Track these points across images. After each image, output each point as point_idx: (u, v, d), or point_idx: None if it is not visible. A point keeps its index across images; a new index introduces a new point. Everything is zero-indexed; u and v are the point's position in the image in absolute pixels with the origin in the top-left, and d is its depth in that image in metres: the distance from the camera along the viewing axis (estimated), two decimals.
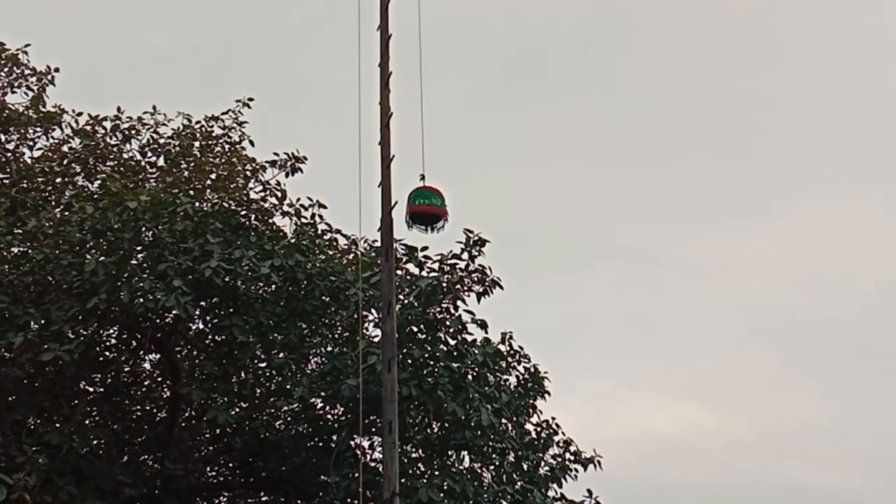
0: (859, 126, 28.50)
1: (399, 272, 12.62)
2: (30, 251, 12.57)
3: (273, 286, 13.17)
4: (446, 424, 12.36)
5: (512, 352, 13.58)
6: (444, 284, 12.60)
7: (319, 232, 14.09)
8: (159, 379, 14.80)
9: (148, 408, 14.72)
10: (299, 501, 13.95)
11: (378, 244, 11.62)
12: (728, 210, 28.08)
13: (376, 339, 12.43)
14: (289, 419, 14.21)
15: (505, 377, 13.31)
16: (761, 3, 27.56)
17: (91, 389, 13.92)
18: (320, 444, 13.49)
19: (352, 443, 12.45)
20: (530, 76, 27.41)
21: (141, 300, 11.93)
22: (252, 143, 15.24)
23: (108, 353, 13.81)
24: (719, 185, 28.28)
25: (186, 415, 14.48)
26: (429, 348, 12.41)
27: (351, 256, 14.44)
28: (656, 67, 27.98)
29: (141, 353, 14.02)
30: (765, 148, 28.28)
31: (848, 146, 28.05)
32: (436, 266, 12.84)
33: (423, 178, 10.06)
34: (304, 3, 25.72)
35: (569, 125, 27.65)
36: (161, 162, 14.85)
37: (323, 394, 12.91)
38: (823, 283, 27.75)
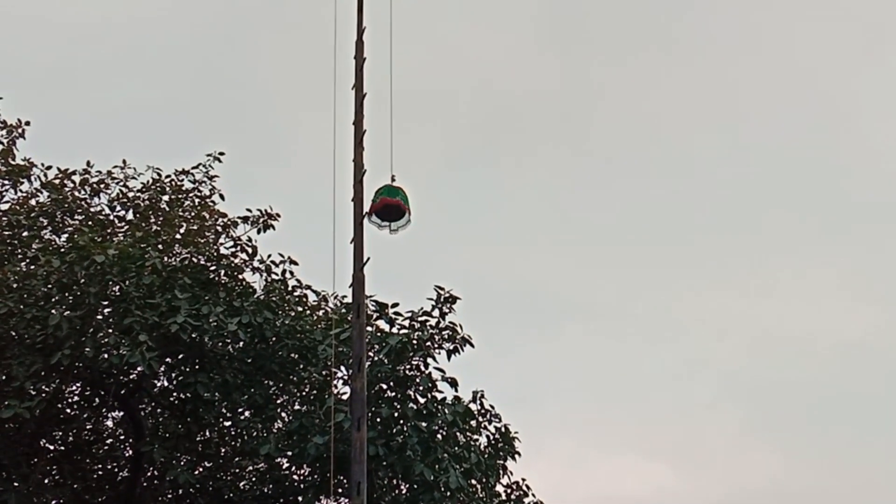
0: (826, 189, 29.11)
1: (369, 328, 12.60)
2: None
3: (240, 343, 13.08)
4: (415, 486, 12.23)
5: (483, 411, 13.52)
6: (415, 341, 12.57)
7: (290, 288, 14.05)
8: (122, 437, 14.55)
9: (110, 467, 14.45)
10: None
11: (348, 300, 11.70)
12: (695, 271, 28.46)
13: (345, 397, 12.30)
14: (254, 479, 14.00)
15: (475, 437, 13.24)
16: (733, 65, 28.26)
17: (52, 447, 13.66)
18: None
19: None
20: (502, 135, 27.82)
21: (105, 355, 11.80)
22: (223, 198, 15.23)
23: (69, 410, 13.59)
24: (686, 246, 28.65)
25: (149, 474, 14.21)
26: (398, 407, 12.33)
27: (321, 313, 14.39)
28: (627, 129, 28.52)
29: (104, 410, 13.83)
30: (731, 210, 28.77)
31: (814, 209, 28.60)
32: (406, 323, 12.83)
33: (393, 178, 10.20)
34: (278, 60, 25.98)
35: (539, 184, 28.02)
36: (130, 216, 14.80)
37: (289, 453, 12.74)
38: (787, 344, 28.09)
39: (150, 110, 25.86)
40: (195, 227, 14.58)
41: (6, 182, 14.84)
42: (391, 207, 10.21)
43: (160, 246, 13.64)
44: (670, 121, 28.49)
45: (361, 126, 10.62)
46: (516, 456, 13.78)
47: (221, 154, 15.31)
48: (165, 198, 14.98)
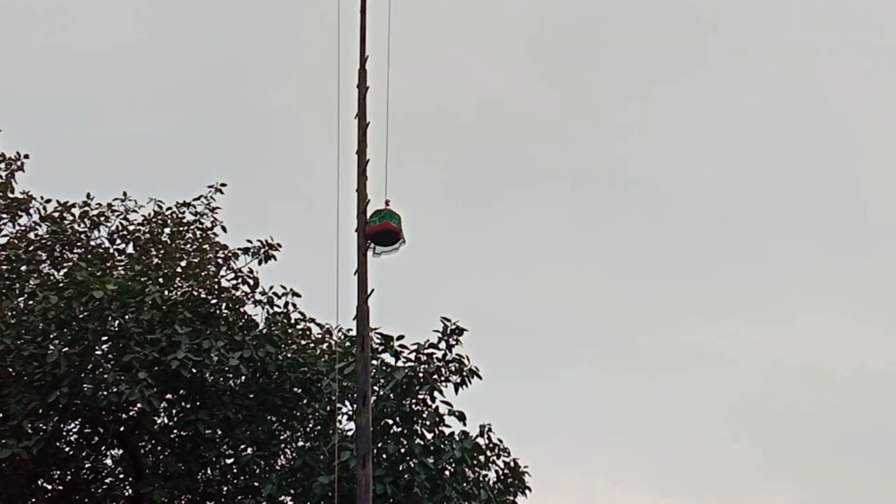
0: (842, 214, 28.78)
1: (374, 362, 12.40)
2: None
3: (242, 378, 12.92)
4: None
5: (491, 445, 13.25)
6: (421, 375, 12.38)
7: (292, 321, 13.89)
8: (121, 476, 14.27)
9: None
10: None
11: (353, 333, 11.42)
12: (709, 299, 28.07)
13: (350, 433, 12.09)
14: None
15: (484, 472, 12.97)
16: (744, 89, 28.08)
17: (49, 487, 13.39)
18: None
19: None
20: (508, 162, 27.66)
21: (104, 393, 11.64)
22: (224, 230, 15.14)
23: (68, 449, 13.34)
24: (700, 273, 28.31)
25: None
26: (405, 442, 12.12)
27: (324, 346, 14.20)
28: (635, 158, 28.31)
29: (103, 448, 13.60)
30: (747, 236, 28.44)
31: (831, 234, 28.28)
32: (412, 355, 12.63)
33: (388, 202, 10.08)
34: (280, 91, 25.95)
35: (546, 213, 27.79)
36: (130, 249, 14.70)
37: (293, 491, 12.49)
38: (804, 373, 27.61)
39: (151, 142, 25.83)
40: (196, 260, 14.46)
41: (4, 216, 14.68)
42: (385, 233, 10.08)
43: (160, 280, 13.51)
44: (679, 148, 28.34)
45: (365, 155, 10.47)
46: (527, 491, 13.51)
47: (223, 185, 15.26)
48: (166, 230, 14.88)
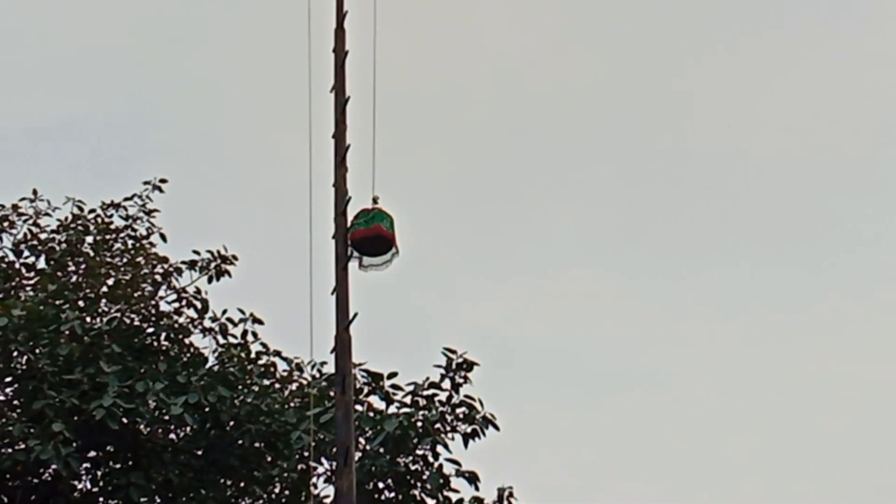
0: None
1: (359, 408, 12.33)
2: None
3: (188, 430, 12.88)
4: None
5: None
6: (420, 424, 12.36)
7: (252, 355, 13.84)
8: None
9: None
10: None
11: (331, 369, 11.28)
12: (774, 323, 27.88)
13: (328, 501, 12.16)
14: None
15: None
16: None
17: None
18: None
19: None
20: (528, 153, 27.43)
21: (9, 451, 11.64)
22: (164, 238, 15.11)
23: None
24: (765, 293, 28.10)
25: None
26: None
27: (294, 387, 14.10)
28: (697, 138, 28.03)
29: None
30: (818, 251, 28.33)
31: (867, 241, 28.20)
32: (407, 399, 12.65)
33: (376, 200, 9.97)
34: (235, 62, 25.84)
35: (582, 214, 27.54)
36: (41, 263, 14.67)
37: None
38: (844, 397, 27.47)
39: (69, 128, 25.67)
40: (127, 278, 14.44)
41: None
42: (374, 239, 9.94)
43: (81, 303, 13.47)
44: (747, 140, 28.06)
45: (344, 140, 10.34)
46: None
47: (163, 182, 15.23)
48: (89, 239, 14.82)
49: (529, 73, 26.62)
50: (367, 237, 9.89)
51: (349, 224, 9.96)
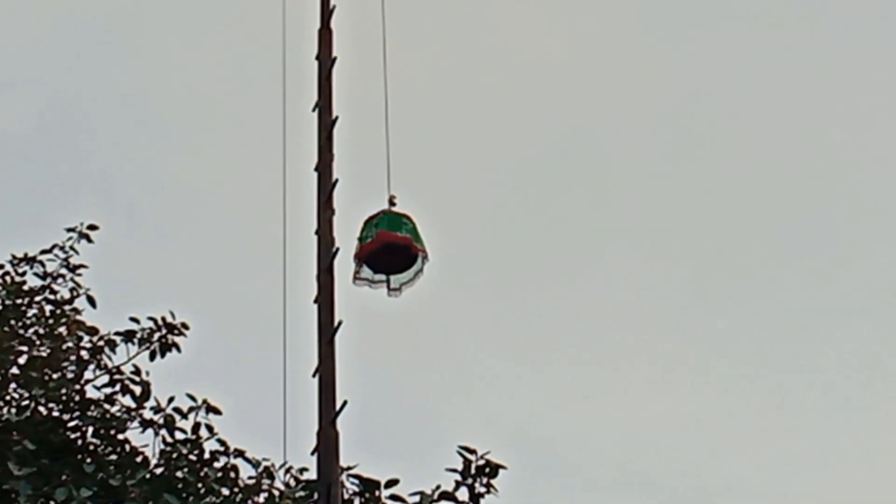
0: None
1: None
2: None
3: None
4: None
5: None
6: None
7: (206, 455, 13.84)
8: None
9: None
10: None
11: (311, 475, 11.74)
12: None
13: None
14: None
15: None
16: None
17: None
18: None
19: None
20: (572, 183, 27.58)
21: None
22: (93, 303, 15.23)
23: None
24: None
25: None
26: None
27: (262, 499, 14.03)
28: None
29: None
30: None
31: None
32: None
33: (393, 200, 10.08)
34: (186, 71, 26.08)
35: (640, 280, 27.64)
36: None
37: None
38: None
39: None
40: (45, 354, 14.51)
41: None
42: (394, 248, 10.05)
43: None
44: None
45: (330, 174, 10.51)
46: None
47: (92, 228, 15.43)
48: None
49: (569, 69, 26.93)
50: (385, 247, 10.02)
51: (362, 233, 10.11)
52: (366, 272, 10.21)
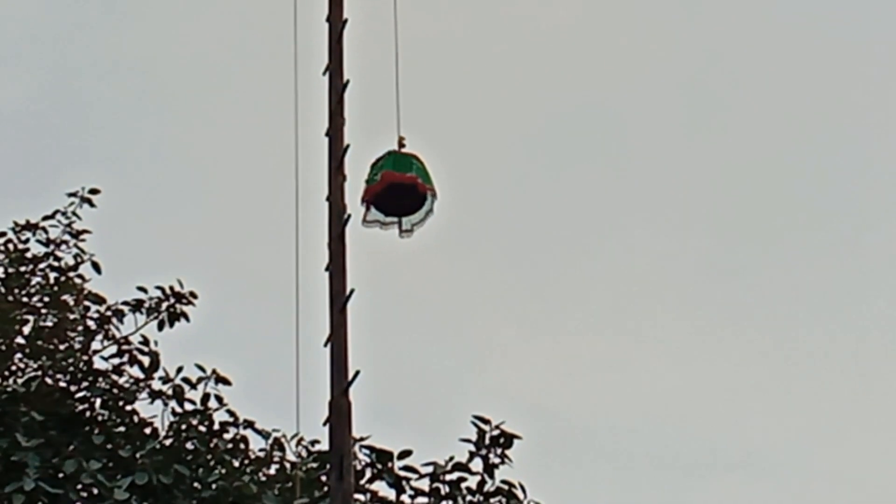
0: None
1: (361, 497, 12.46)
2: None
3: None
4: None
5: None
6: None
7: (216, 426, 13.94)
8: None
9: None
10: None
11: (323, 447, 11.81)
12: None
13: None
14: None
15: None
16: None
17: None
18: None
19: None
20: (570, 172, 27.58)
21: None
22: (98, 269, 15.17)
23: None
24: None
25: None
26: None
27: (272, 470, 14.20)
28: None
29: None
30: None
31: None
32: (426, 485, 12.75)
33: (402, 142, 10.09)
34: (191, 36, 26.02)
35: (647, 255, 27.58)
36: None
37: None
38: None
39: None
40: (50, 324, 14.56)
41: None
42: (401, 189, 10.04)
43: None
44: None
45: (341, 139, 10.42)
46: None
47: (94, 192, 15.36)
48: None
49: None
50: (391, 187, 10.01)
51: (369, 175, 10.10)
52: (375, 214, 10.22)
